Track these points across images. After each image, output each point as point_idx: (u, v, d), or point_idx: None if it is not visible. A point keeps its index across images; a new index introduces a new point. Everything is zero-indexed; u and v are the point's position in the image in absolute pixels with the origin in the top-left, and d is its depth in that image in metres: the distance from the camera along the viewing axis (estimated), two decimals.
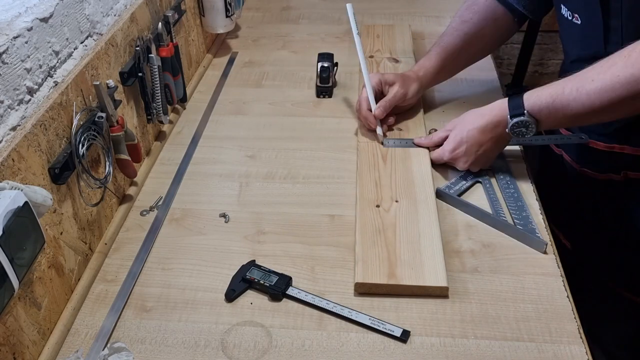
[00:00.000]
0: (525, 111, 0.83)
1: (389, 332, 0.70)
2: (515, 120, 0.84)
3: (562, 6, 0.90)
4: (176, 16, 1.09)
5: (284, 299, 0.76)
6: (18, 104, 0.67)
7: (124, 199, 0.92)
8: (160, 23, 0.99)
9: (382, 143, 0.99)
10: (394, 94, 1.01)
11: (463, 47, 1.04)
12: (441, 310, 0.73)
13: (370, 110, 1.00)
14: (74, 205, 0.77)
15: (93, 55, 0.81)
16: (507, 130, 0.85)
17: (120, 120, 0.84)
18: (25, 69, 0.68)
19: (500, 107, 0.87)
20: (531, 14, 1.01)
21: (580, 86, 0.78)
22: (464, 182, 0.92)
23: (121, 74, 0.90)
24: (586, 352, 0.68)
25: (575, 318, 0.71)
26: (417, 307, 0.74)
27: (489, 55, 1.26)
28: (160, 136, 1.07)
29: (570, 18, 0.89)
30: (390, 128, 1.03)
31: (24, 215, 0.59)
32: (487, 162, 0.92)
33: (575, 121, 0.84)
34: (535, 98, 0.83)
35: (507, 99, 0.86)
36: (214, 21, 1.28)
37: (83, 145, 0.75)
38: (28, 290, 0.66)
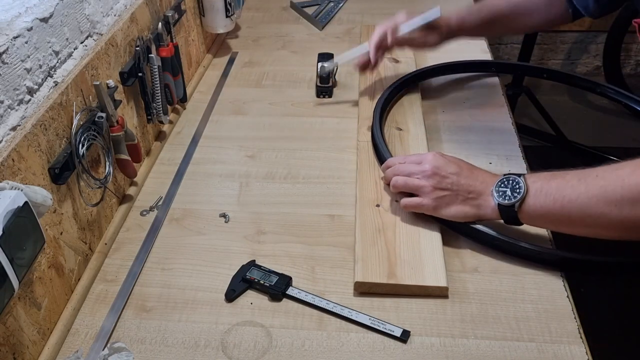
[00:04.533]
0: (519, 174, 0.75)
1: (389, 332, 0.70)
2: (507, 176, 0.76)
3: None
4: (176, 16, 1.09)
5: (284, 299, 0.76)
6: (18, 104, 0.67)
7: (124, 199, 0.92)
8: (160, 23, 0.99)
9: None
10: (415, 40, 1.03)
11: (508, 15, 1.03)
12: (441, 310, 0.73)
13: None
14: (74, 205, 0.77)
15: (93, 55, 0.81)
16: (491, 187, 0.76)
17: (120, 120, 0.84)
18: (25, 69, 0.68)
19: (485, 178, 0.79)
20: (586, 12, 0.98)
21: (583, 177, 0.70)
22: None
23: (121, 74, 0.90)
24: (586, 352, 0.68)
25: (575, 318, 0.72)
26: (417, 307, 0.74)
27: (489, 55, 1.26)
28: (160, 136, 1.07)
29: None
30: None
31: (24, 215, 0.59)
32: (448, 203, 0.78)
33: (566, 211, 0.71)
34: (535, 174, 0.75)
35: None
36: (214, 21, 1.28)
37: (83, 145, 0.75)
38: (28, 290, 0.66)
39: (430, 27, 1.03)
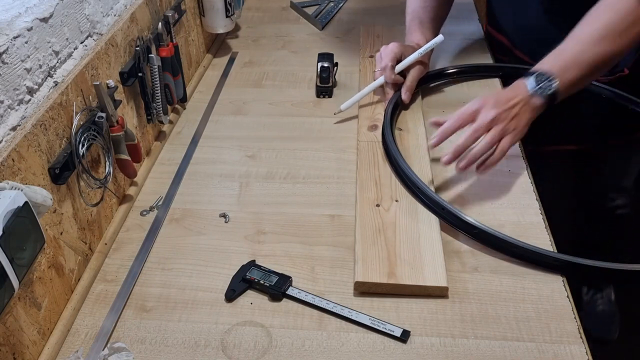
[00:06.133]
0: (538, 69, 0.87)
1: (389, 332, 0.70)
2: (534, 75, 0.87)
3: None
4: (176, 16, 1.09)
5: (284, 299, 0.76)
6: (18, 104, 0.67)
7: (124, 199, 0.92)
8: (160, 23, 0.99)
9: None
10: (418, 73, 1.08)
11: (438, 15, 1.17)
12: (441, 310, 0.73)
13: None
14: (74, 205, 0.77)
15: (93, 55, 0.81)
16: (529, 90, 0.87)
17: (120, 120, 0.84)
18: (25, 69, 0.68)
19: (515, 83, 0.90)
20: None
21: (579, 40, 0.87)
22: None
23: (121, 74, 0.90)
24: (586, 352, 0.68)
25: (575, 318, 0.72)
26: (417, 307, 0.74)
27: (489, 55, 1.27)
28: (160, 136, 1.07)
29: None
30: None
31: (24, 215, 0.59)
32: (519, 123, 0.86)
33: (590, 69, 0.87)
34: (541, 64, 0.88)
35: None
36: (214, 21, 1.28)
37: (83, 145, 0.75)
38: (28, 290, 0.66)
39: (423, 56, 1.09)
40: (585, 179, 1.34)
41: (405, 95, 1.06)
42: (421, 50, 1.06)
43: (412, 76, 1.07)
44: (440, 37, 1.06)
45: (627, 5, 0.85)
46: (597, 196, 1.35)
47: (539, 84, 0.86)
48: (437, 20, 1.16)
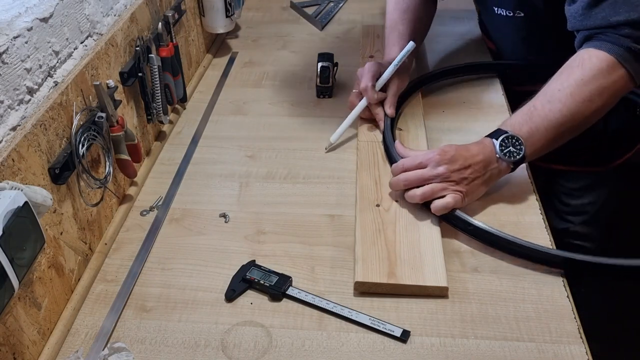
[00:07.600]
0: (507, 130, 0.84)
1: (389, 332, 0.70)
2: (502, 137, 0.83)
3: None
4: (176, 16, 1.09)
5: (284, 299, 0.76)
6: (18, 104, 0.67)
7: (124, 199, 0.92)
8: (160, 23, 0.99)
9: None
10: (397, 87, 1.04)
11: (418, 30, 1.15)
12: (441, 310, 0.73)
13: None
14: (74, 205, 0.77)
15: (93, 55, 0.81)
16: (496, 154, 0.83)
17: (120, 120, 0.84)
18: (25, 69, 0.68)
19: (482, 141, 0.86)
20: None
21: (550, 98, 0.84)
22: None
23: (121, 74, 0.90)
24: (586, 352, 0.68)
25: (575, 318, 0.72)
26: (417, 307, 0.74)
27: (489, 55, 1.27)
28: (160, 136, 1.07)
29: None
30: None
31: (24, 215, 0.59)
32: (471, 188, 0.83)
33: (559, 131, 0.84)
34: (511, 121, 0.86)
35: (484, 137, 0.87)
36: (214, 21, 1.28)
37: (83, 145, 0.75)
38: (28, 290, 0.66)
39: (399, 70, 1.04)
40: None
41: (389, 110, 1.02)
42: (395, 62, 1.01)
43: (392, 91, 1.03)
44: (411, 44, 1.02)
45: (599, 63, 0.81)
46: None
47: (506, 148, 0.83)
48: (416, 33, 1.13)
